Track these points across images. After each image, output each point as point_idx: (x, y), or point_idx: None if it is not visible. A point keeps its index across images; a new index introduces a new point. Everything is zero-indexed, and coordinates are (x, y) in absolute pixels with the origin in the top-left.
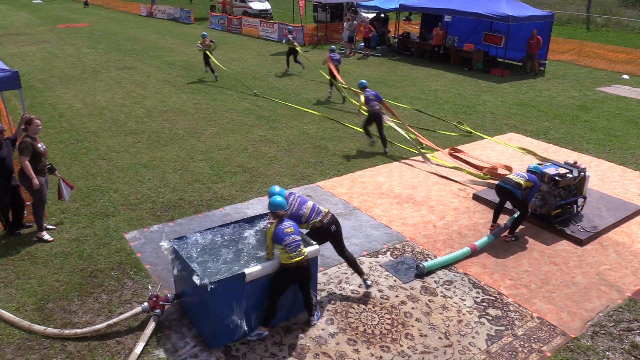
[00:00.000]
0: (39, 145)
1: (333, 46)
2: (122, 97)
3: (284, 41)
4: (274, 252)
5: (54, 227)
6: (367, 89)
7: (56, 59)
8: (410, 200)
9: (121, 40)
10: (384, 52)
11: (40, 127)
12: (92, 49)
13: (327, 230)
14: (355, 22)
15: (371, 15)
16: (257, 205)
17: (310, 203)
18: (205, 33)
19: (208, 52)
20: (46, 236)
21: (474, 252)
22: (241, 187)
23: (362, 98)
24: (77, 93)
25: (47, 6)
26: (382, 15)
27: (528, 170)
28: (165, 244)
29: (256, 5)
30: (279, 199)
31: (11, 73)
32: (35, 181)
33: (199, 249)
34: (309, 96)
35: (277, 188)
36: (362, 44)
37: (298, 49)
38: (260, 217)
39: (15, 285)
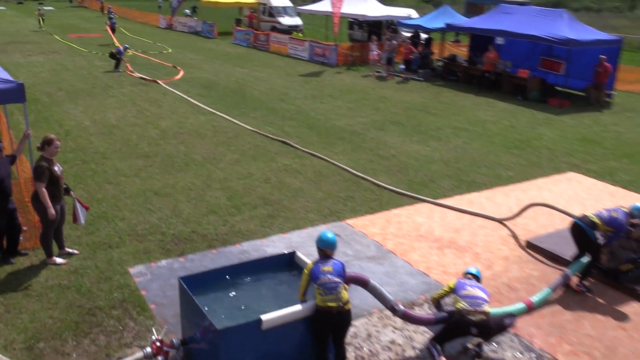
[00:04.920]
0: (56, 168)
1: (111, 12)
2: (135, 115)
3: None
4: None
5: (76, 252)
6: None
7: (65, 71)
8: (452, 245)
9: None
10: (427, 76)
11: (59, 149)
12: (104, 61)
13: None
14: (394, 41)
15: (408, 34)
16: (278, 243)
17: (333, 278)
18: (43, 9)
19: (41, 19)
20: (58, 260)
21: (530, 309)
22: (261, 222)
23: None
24: (86, 109)
25: (59, 14)
26: (427, 35)
27: (632, 216)
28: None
29: (286, 21)
30: (329, 235)
31: (16, 85)
32: (52, 211)
33: (211, 290)
34: (342, 123)
35: (329, 234)
36: (402, 66)
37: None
38: (281, 256)
39: (5, 320)
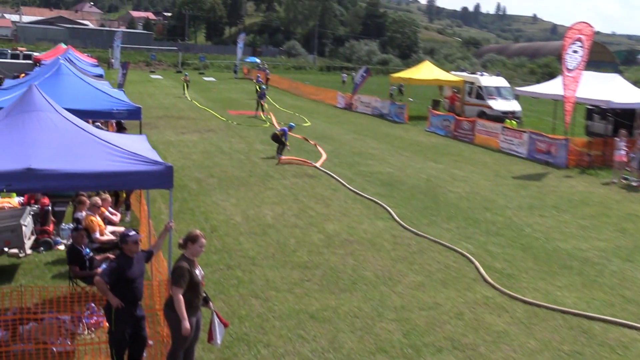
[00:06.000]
0: (197, 271)
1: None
2: (296, 214)
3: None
4: None
5: None
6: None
7: (220, 155)
8: None
9: (298, 140)
10: None
11: (203, 249)
12: (266, 145)
13: None
14: None
15: None
16: None
17: None
18: (187, 72)
19: (186, 85)
20: None
21: None
22: None
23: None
24: (239, 202)
25: (221, 86)
26: None
27: None
28: None
29: (499, 105)
30: None
31: (164, 167)
32: (187, 325)
33: None
34: (570, 246)
35: None
36: None
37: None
38: None
39: None
